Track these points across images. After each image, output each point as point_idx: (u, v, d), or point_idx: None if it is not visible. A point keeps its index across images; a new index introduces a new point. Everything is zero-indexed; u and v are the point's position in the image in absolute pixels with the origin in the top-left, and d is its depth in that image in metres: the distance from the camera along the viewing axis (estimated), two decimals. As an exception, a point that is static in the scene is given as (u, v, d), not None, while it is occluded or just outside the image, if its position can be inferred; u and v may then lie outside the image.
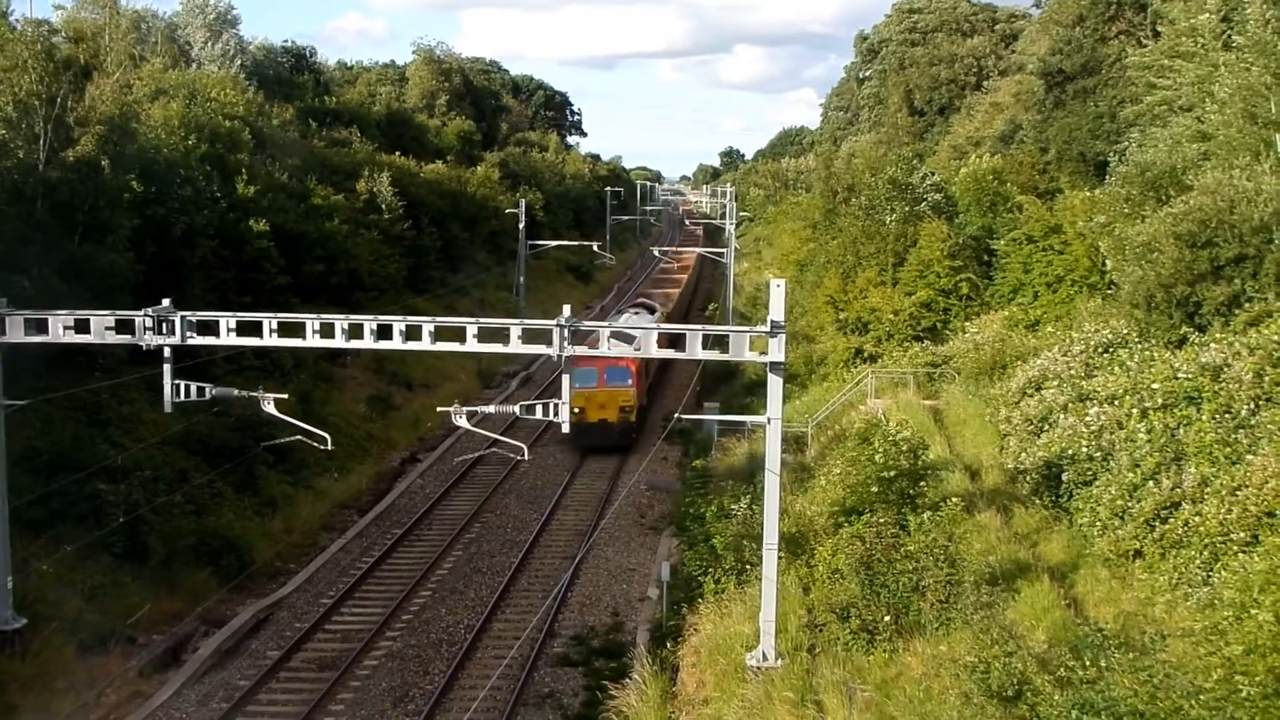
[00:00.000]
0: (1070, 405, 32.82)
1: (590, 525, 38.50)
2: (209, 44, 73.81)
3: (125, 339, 24.87)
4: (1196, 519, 24.29)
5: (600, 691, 26.95)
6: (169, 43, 70.71)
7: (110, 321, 24.73)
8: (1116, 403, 30.82)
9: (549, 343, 24.00)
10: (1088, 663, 19.05)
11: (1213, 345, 30.15)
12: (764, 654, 24.38)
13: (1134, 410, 29.65)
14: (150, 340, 24.44)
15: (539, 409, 25.33)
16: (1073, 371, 35.32)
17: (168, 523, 31.78)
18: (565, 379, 24.67)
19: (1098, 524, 27.10)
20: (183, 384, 25.45)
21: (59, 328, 24.75)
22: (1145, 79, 50.43)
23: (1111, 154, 55.20)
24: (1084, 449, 29.65)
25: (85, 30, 50.56)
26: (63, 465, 30.11)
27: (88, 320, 24.76)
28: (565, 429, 25.29)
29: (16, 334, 24.77)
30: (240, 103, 56.33)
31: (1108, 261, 44.38)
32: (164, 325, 24.38)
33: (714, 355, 25.12)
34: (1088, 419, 30.78)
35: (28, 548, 27.43)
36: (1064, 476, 29.71)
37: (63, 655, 25.74)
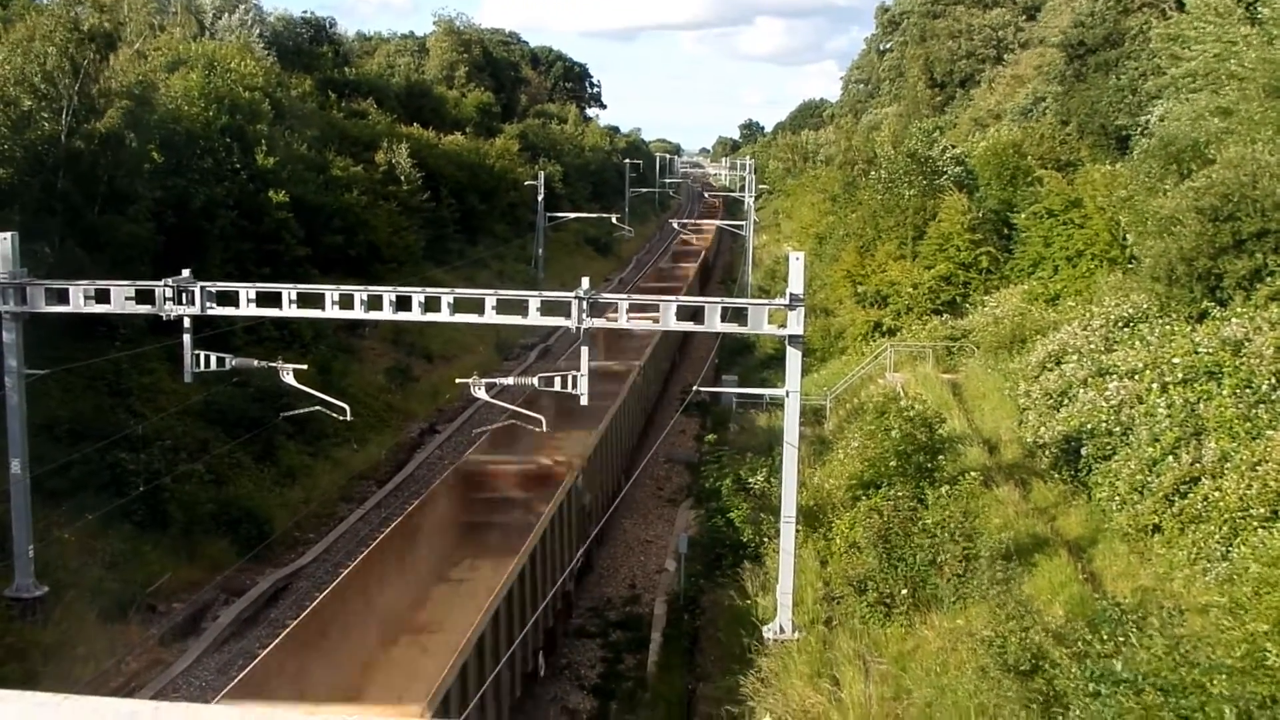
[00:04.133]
0: (1090, 380, 32.70)
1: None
2: (225, 14, 73.78)
3: (145, 309, 24.97)
4: (1216, 494, 24.21)
5: (618, 663, 27.10)
6: (188, 13, 70.70)
7: (130, 292, 24.83)
8: (1136, 377, 30.70)
9: (568, 315, 24.00)
10: (1105, 637, 19.04)
11: (1234, 319, 30.01)
12: (781, 626, 24.44)
13: (1154, 385, 29.53)
14: (170, 310, 24.54)
15: (557, 381, 25.37)
16: (1093, 346, 35.18)
17: (188, 492, 31.96)
18: (584, 351, 24.67)
19: (1116, 499, 27.04)
20: (203, 354, 25.54)
21: (80, 297, 24.86)
22: (1169, 51, 50.07)
23: (1133, 127, 54.88)
24: (1103, 423, 29.56)
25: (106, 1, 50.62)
26: (84, 434, 30.29)
27: (108, 290, 24.87)
28: (584, 401, 25.29)
29: (38, 303, 24.90)
30: (259, 73, 56.32)
31: (1128, 235, 44.21)
32: (184, 295, 24.47)
33: (733, 328, 25.12)
34: (1107, 393, 30.67)
35: (49, 516, 27.62)
36: (1083, 451, 29.63)
37: (84, 623, 25.94)
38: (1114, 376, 31.64)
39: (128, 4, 60.85)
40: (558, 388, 25.44)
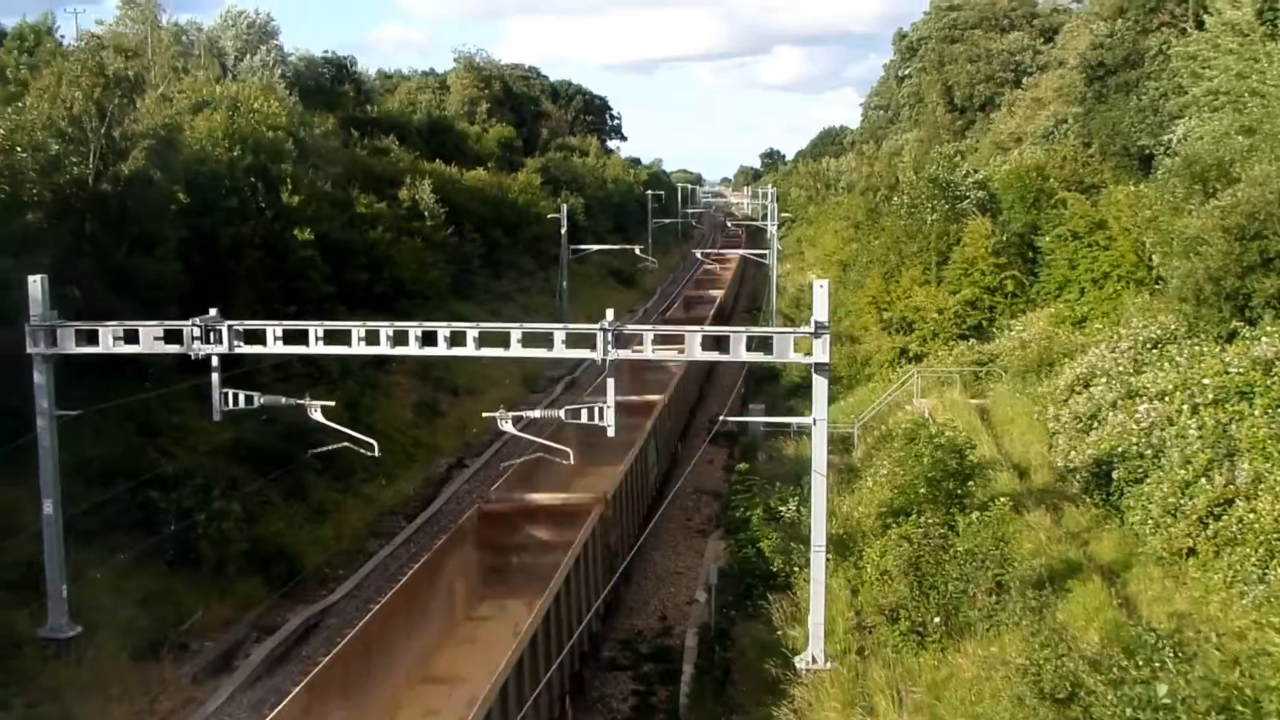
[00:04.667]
0: (1119, 402, 32.51)
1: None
2: (247, 55, 74.56)
3: (174, 349, 25.11)
4: (1251, 516, 23.99)
5: (650, 695, 26.97)
6: (210, 56, 71.50)
7: (159, 332, 24.98)
8: (1167, 399, 30.51)
9: (593, 346, 24.01)
10: (1140, 663, 18.85)
11: (1264, 339, 29.82)
12: (813, 656, 24.29)
13: (1184, 406, 29.34)
14: (198, 350, 24.68)
15: (584, 413, 25.36)
16: (1121, 368, 34.99)
17: (218, 530, 32.00)
18: (610, 383, 24.67)
19: (1149, 522, 26.81)
20: (231, 393, 25.65)
21: (109, 338, 25.04)
22: (1190, 69, 50.00)
23: (1156, 147, 54.74)
24: (1134, 446, 29.36)
25: (130, 44, 51.24)
26: (115, 474, 30.42)
27: (137, 331, 25.04)
28: (611, 433, 25.25)
29: (68, 345, 25.09)
30: (282, 112, 56.78)
31: (1154, 256, 44.02)
32: (211, 335, 24.61)
33: (758, 357, 25.06)
34: (1137, 416, 30.48)
35: (81, 556, 27.70)
36: (1114, 474, 29.42)
37: (117, 662, 25.97)
38: (1144, 398, 31.44)
39: (152, 48, 61.63)
40: (584, 420, 25.43)
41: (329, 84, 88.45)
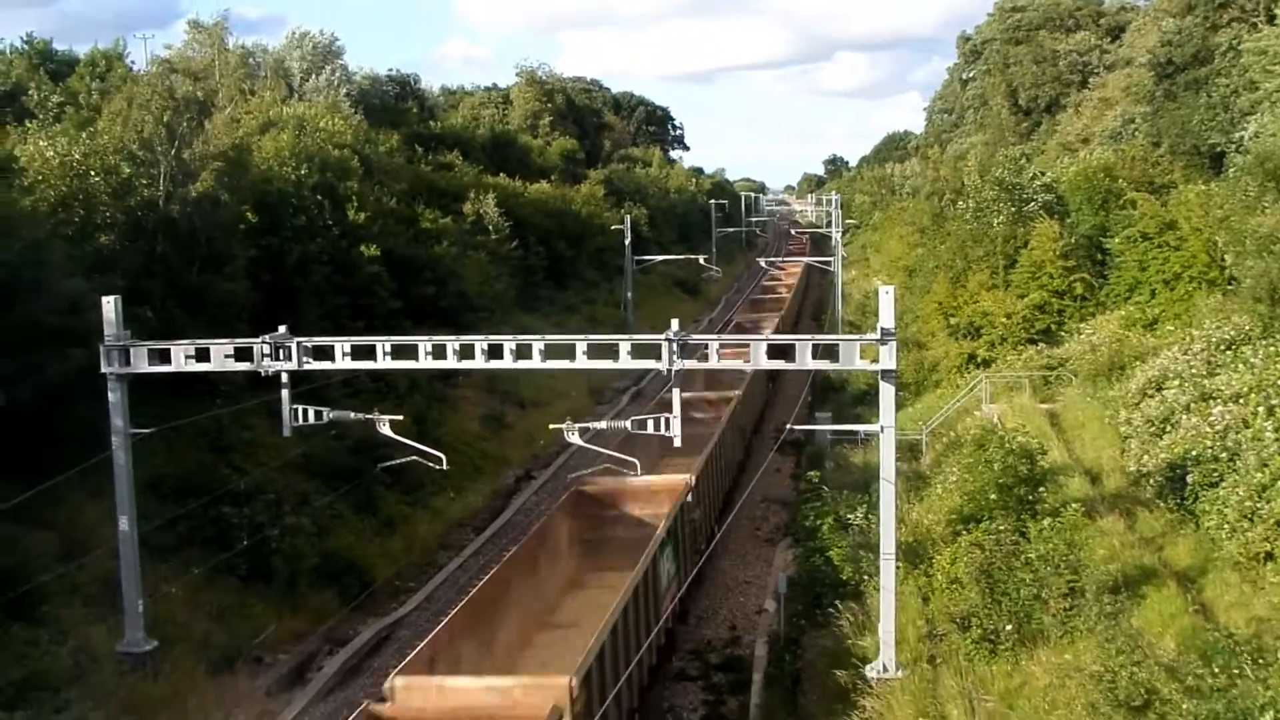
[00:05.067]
0: (1193, 405, 31.99)
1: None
2: (313, 75, 75.49)
3: (244, 366, 25.48)
4: (1330, 518, 23.54)
5: (720, 705, 26.90)
6: (277, 77, 72.47)
7: (229, 350, 25.35)
8: (1241, 401, 30.00)
9: (658, 357, 24.03)
10: (1217, 670, 18.54)
11: (1341, 339, 29.26)
12: (884, 665, 24.11)
13: (1260, 408, 28.84)
14: (268, 366, 25.02)
15: (650, 424, 25.37)
16: (1194, 370, 34.43)
17: (290, 544, 32.38)
18: (676, 393, 24.67)
19: (1226, 526, 26.36)
20: (300, 408, 25.98)
21: (181, 357, 25.43)
22: (1261, 65, 49.20)
23: (1227, 144, 53.89)
24: (1209, 449, 28.87)
25: (199, 67, 52.13)
26: (188, 490, 30.87)
27: (208, 349, 25.42)
28: (677, 443, 25.25)
29: (141, 364, 25.51)
30: (347, 131, 57.40)
31: (1227, 256, 43.31)
32: (281, 351, 24.92)
33: (824, 365, 24.96)
34: (1212, 418, 29.99)
35: (157, 571, 28.15)
36: (1189, 478, 28.95)
37: (193, 676, 26.33)
38: (1218, 401, 30.93)
39: (219, 70, 62.60)
40: (651, 430, 25.45)
41: (393, 101, 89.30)
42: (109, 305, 25.35)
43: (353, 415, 27.09)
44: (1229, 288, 42.97)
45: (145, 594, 26.47)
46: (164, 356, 25.56)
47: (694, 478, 32.43)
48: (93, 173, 34.26)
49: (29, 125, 39.17)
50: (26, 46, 55.76)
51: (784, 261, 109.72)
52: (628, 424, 26.25)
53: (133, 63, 57.18)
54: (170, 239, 34.97)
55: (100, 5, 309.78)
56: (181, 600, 28.45)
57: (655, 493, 32.04)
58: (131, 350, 25.46)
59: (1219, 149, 55.74)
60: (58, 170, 33.94)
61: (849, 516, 33.55)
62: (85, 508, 28.16)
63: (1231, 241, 41.12)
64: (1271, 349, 32.20)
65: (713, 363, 24.94)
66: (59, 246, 30.31)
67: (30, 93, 45.26)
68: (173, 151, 35.19)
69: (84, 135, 35.65)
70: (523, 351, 24.87)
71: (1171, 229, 49.05)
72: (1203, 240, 46.93)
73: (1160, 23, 69.81)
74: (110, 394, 25.71)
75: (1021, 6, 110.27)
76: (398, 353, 25.54)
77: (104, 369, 25.47)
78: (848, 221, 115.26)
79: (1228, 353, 34.59)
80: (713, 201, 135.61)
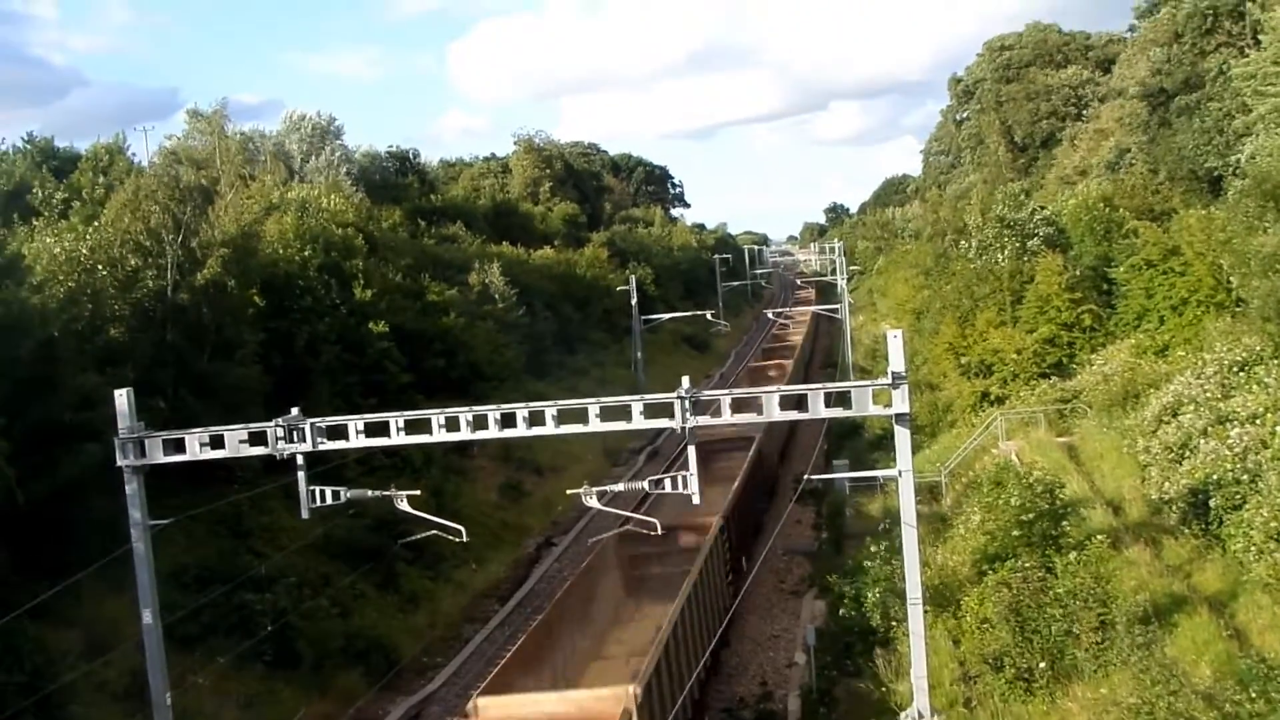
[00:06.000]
0: (1210, 429, 31.87)
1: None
2: (312, 156, 76.17)
3: (259, 450, 25.43)
4: (1357, 535, 23.36)
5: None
6: (277, 160, 73.15)
7: (243, 434, 25.34)
8: (1259, 421, 29.89)
9: (671, 415, 24.00)
10: (1254, 695, 18.35)
11: (1354, 353, 29.17)
12: (919, 711, 23.84)
13: (1278, 427, 28.70)
14: (283, 449, 24.98)
15: (668, 483, 25.29)
16: (1209, 394, 34.33)
17: (315, 627, 32.29)
18: (691, 450, 24.62)
19: (1253, 549, 26.17)
20: (318, 489, 25.91)
21: (195, 445, 25.41)
22: (1253, 87, 49.43)
23: (1224, 168, 54.05)
24: (1230, 472, 28.73)
25: (200, 156, 52.61)
26: (210, 579, 30.83)
27: (222, 435, 25.40)
28: (696, 500, 25.15)
29: (156, 455, 25.49)
30: (349, 209, 57.84)
31: (1233, 278, 43.30)
32: (295, 433, 24.91)
33: (837, 413, 24.89)
34: (1230, 441, 29.86)
35: (183, 662, 28.01)
36: (1211, 503, 28.77)
37: (225, 767, 26.19)
38: (1235, 423, 30.81)
39: (220, 157, 63.21)
40: (669, 489, 25.37)
41: (394, 177, 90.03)
42: (121, 398, 25.37)
43: (370, 493, 27.00)
44: (1237, 309, 42.94)
45: (172, 686, 26.27)
46: (178, 446, 25.55)
47: (728, 505, 35.89)
48: (100, 266, 34.52)
49: (35, 223, 39.52)
50: (28, 146, 56.36)
51: (792, 311, 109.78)
52: (645, 484, 26.16)
53: (134, 155, 57.80)
54: (179, 328, 35.17)
55: (101, 101, 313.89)
56: (209, 690, 28.31)
57: (694, 526, 34.01)
58: (146, 441, 25.46)
59: (1216, 173, 55.87)
60: (65, 266, 34.21)
61: (871, 565, 33.38)
62: (107, 602, 28.12)
63: (1236, 263, 41.12)
64: (1285, 368, 32.13)
65: (725, 418, 24.88)
66: (69, 342, 30.50)
67: (35, 190, 45.62)
68: (179, 240, 35.47)
69: (89, 230, 35.96)
70: (536, 418, 24.84)
71: (1175, 254, 49.13)
72: (1207, 264, 46.97)
73: (1149, 52, 70.14)
74: (127, 486, 25.65)
75: (1010, 45, 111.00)
76: (411, 427, 25.51)
77: (119, 462, 25.44)
78: (852, 268, 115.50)
79: (1241, 374, 34.49)
80: (717, 256, 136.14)
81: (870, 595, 30.92)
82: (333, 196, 58.28)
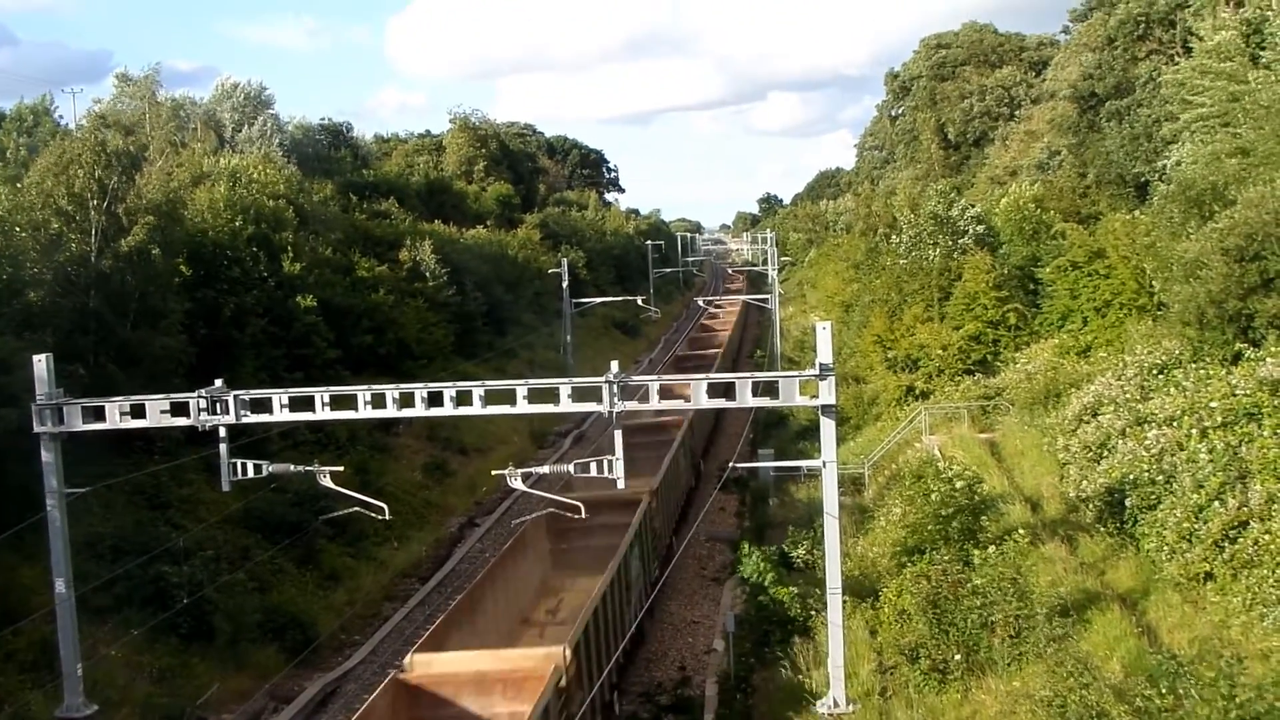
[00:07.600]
0: (1128, 429, 32.45)
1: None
2: (244, 126, 75.12)
3: (181, 421, 25.14)
4: (1266, 537, 23.89)
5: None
6: (208, 129, 72.04)
7: (165, 405, 25.02)
8: (1175, 424, 30.45)
9: (599, 399, 24.02)
10: (1164, 690, 18.71)
11: (1269, 359, 29.80)
12: (835, 700, 24.10)
13: (1194, 430, 29.27)
14: (205, 421, 24.70)
15: (593, 467, 25.30)
16: (1128, 395, 34.94)
17: (232, 601, 31.92)
18: (617, 435, 24.65)
19: (1165, 548, 26.69)
20: (239, 462, 25.64)
21: (116, 414, 25.05)
22: (1180, 95, 50.23)
23: (1151, 173, 54.92)
24: (1146, 473, 29.27)
25: (130, 121, 51.67)
26: (126, 550, 30.35)
27: (143, 405, 25.06)
28: (620, 484, 25.21)
29: (75, 422, 25.10)
30: (280, 181, 57.13)
31: (1155, 282, 44.06)
32: (218, 405, 24.63)
33: (765, 402, 25.04)
34: (1147, 442, 30.41)
35: (95, 633, 27.61)
36: (1127, 502, 29.31)
37: (135, 740, 25.83)
38: (1152, 425, 31.39)
39: (150, 124, 62.12)
40: (594, 473, 25.38)
41: (326, 150, 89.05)
42: (40, 363, 24.93)
43: (293, 468, 26.75)
44: (1158, 313, 43.68)
45: (84, 657, 25.92)
46: (98, 414, 25.17)
47: (656, 484, 36.24)
48: (19, 229, 33.81)
49: (-47, 183, 38.68)
50: (-52, 105, 55.11)
51: (722, 300, 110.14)
52: (570, 468, 26.16)
53: (61, 117, 56.73)
54: (102, 294, 34.55)
55: (30, 59, 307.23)
56: (121, 662, 27.90)
57: (621, 503, 33.87)
58: (65, 408, 25.05)
59: (1143, 178, 56.76)
60: (-18, 227, 33.51)
61: (793, 553, 33.60)
62: (19, 570, 27.63)
63: (1159, 268, 41.83)
64: (1202, 372, 32.74)
65: (653, 404, 24.94)
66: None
67: (-46, 150, 44.70)
68: (104, 206, 34.84)
69: (8, 191, 35.22)
70: (463, 398, 24.76)
71: (1100, 257, 49.89)
72: (1131, 268, 47.75)
73: (1081, 56, 71.11)
74: (44, 453, 25.25)
75: (946, 43, 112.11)
76: (336, 403, 25.32)
77: (36, 428, 25.03)
78: (783, 259, 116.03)
79: (1160, 377, 35.14)
80: (649, 242, 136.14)
81: (785, 589, 31.11)
82: (264, 168, 57.50)
